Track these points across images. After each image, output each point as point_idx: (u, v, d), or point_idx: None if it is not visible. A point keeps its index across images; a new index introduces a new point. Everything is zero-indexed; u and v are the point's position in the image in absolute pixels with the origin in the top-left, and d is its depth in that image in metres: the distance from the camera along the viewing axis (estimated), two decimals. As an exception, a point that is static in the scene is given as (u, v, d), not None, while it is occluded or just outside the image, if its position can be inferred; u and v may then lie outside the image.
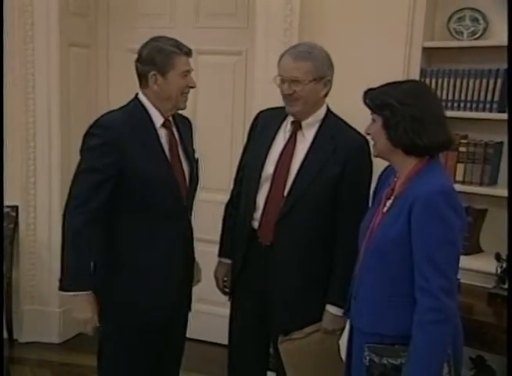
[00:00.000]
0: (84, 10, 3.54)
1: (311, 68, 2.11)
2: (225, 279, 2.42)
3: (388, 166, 1.96)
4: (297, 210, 2.14)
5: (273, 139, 2.22)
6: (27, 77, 3.35)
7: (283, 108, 2.25)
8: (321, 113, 2.20)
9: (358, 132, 2.16)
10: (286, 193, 2.16)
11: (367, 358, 1.79)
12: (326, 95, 2.20)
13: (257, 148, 2.24)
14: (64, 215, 2.08)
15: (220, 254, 2.44)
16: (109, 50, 3.64)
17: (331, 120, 2.21)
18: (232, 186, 2.45)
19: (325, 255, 2.19)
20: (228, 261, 2.40)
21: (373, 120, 1.81)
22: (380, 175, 2.00)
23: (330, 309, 2.20)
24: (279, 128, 2.23)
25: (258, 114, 2.36)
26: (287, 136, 2.21)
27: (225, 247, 2.40)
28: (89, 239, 2.06)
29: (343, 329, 2.21)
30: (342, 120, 2.24)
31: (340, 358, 2.14)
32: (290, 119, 2.22)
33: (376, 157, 1.87)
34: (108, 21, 3.62)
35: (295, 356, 2.22)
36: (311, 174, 2.14)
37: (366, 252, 1.84)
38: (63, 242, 2.08)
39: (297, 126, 2.20)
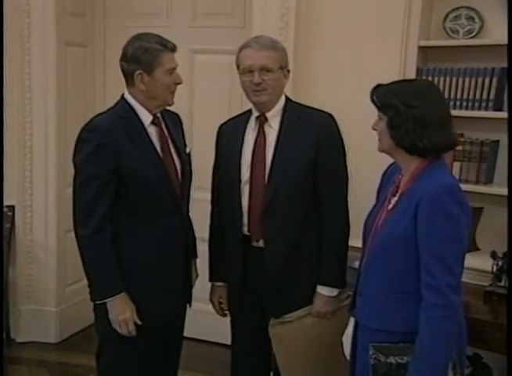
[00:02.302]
0: (81, 9, 3.54)
1: (278, 57, 2.16)
2: (221, 300, 2.39)
3: (391, 164, 1.97)
4: (279, 197, 2.16)
5: (242, 142, 2.23)
6: (24, 77, 3.35)
7: (242, 114, 2.31)
8: (282, 102, 2.24)
9: (322, 110, 2.23)
10: (265, 184, 2.17)
11: (373, 357, 1.79)
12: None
13: (230, 158, 2.24)
14: (75, 230, 2.09)
15: (211, 279, 2.40)
16: (106, 49, 3.63)
17: (292, 105, 2.26)
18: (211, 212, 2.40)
19: (314, 236, 2.21)
20: (221, 283, 2.37)
21: (379, 117, 1.82)
22: (384, 173, 2.00)
23: (322, 290, 2.21)
24: (244, 131, 2.25)
25: (220, 128, 2.36)
26: (255, 133, 2.23)
27: (217, 271, 2.37)
28: (105, 245, 2.06)
29: (345, 323, 2.20)
30: (302, 104, 2.28)
31: (341, 352, 2.13)
32: (253, 118, 2.24)
33: (381, 152, 1.87)
34: (105, 20, 3.62)
35: (286, 340, 2.22)
36: (286, 158, 2.16)
37: (371, 249, 1.84)
38: (82, 255, 2.09)
39: (262, 119, 2.22)
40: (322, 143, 2.16)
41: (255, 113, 2.24)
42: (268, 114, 2.21)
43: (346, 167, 2.23)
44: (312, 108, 2.26)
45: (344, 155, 2.23)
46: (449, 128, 1.79)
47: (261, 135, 2.21)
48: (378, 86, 1.82)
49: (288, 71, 2.23)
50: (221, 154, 2.30)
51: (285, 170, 2.15)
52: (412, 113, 1.73)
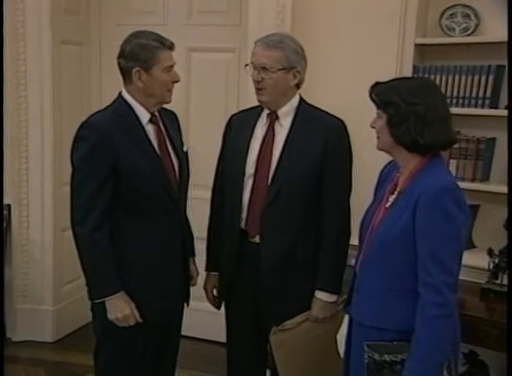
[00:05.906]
0: (76, 7, 3.53)
1: (280, 57, 2.12)
2: (214, 290, 2.39)
3: (388, 163, 1.97)
4: (282, 197, 2.14)
5: (251, 136, 2.22)
6: (19, 75, 3.33)
7: (254, 108, 2.28)
8: (295, 101, 2.21)
9: (334, 115, 2.20)
10: (269, 182, 2.15)
11: (367, 355, 1.79)
12: (298, 86, 2.20)
13: (237, 150, 2.23)
14: (73, 229, 2.09)
15: (207, 268, 2.40)
16: (102, 47, 3.62)
17: (306, 107, 2.23)
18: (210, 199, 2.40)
19: (312, 240, 2.19)
20: (216, 273, 2.37)
21: (378, 115, 1.80)
22: (381, 172, 1.99)
23: (320, 295, 2.19)
24: (255, 125, 2.23)
25: (230, 118, 2.35)
26: (265, 129, 2.21)
27: (213, 261, 2.37)
28: (103, 244, 2.06)
29: (341, 322, 2.20)
30: (316, 107, 2.26)
31: (336, 351, 2.13)
32: (264, 113, 2.23)
33: (380, 150, 1.86)
34: (100, 18, 3.61)
35: (285, 347, 2.21)
36: (293, 157, 2.14)
37: (368, 247, 1.84)
38: (80, 255, 2.09)
39: (273, 117, 2.21)
40: (329, 148, 2.14)
41: (267, 110, 2.22)
42: (280, 113, 2.19)
43: (351, 173, 2.19)
44: (325, 112, 2.23)
45: (351, 162, 2.19)
46: (449, 125, 1.79)
47: (270, 133, 2.20)
48: (377, 84, 1.81)
49: (299, 72, 2.16)
50: (229, 145, 2.29)
51: (290, 170, 2.13)
52: (414, 110, 1.72)
